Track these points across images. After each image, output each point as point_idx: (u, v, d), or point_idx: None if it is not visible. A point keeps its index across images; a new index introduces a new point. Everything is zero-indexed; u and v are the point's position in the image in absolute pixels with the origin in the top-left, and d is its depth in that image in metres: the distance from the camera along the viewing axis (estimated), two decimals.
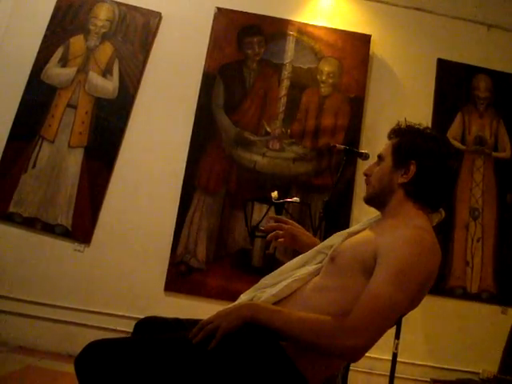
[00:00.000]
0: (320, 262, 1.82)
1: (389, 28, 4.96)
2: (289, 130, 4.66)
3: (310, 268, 1.80)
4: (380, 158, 1.90)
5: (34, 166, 4.47)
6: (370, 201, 1.89)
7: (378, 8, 4.97)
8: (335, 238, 1.87)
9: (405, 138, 1.82)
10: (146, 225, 4.49)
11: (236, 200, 4.50)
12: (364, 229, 1.84)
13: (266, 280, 1.86)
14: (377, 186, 1.86)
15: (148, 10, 4.84)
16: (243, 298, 1.84)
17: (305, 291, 1.73)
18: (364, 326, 1.46)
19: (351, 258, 1.68)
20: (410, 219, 1.71)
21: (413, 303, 1.63)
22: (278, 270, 1.88)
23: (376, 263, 1.58)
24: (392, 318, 1.53)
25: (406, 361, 4.20)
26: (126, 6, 4.83)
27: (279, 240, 2.12)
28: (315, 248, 1.90)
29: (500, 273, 4.56)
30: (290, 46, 4.81)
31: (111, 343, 1.53)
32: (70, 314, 4.28)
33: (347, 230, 1.89)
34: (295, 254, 4.39)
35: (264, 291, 1.77)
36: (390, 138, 1.89)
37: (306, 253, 1.91)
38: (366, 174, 1.93)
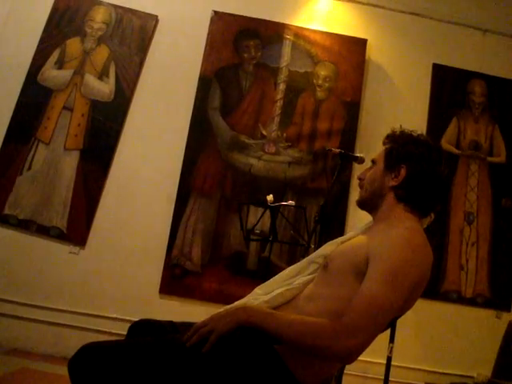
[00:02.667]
0: (313, 272, 1.83)
1: (385, 32, 4.98)
2: (285, 134, 4.67)
3: (304, 278, 1.81)
4: (373, 162, 1.93)
5: (29, 168, 4.47)
6: (363, 204, 1.92)
7: (374, 12, 4.98)
8: (328, 247, 1.88)
9: (397, 143, 1.85)
10: (141, 227, 4.49)
11: (231, 203, 4.50)
12: (356, 235, 1.86)
13: (259, 289, 1.86)
14: (369, 189, 1.88)
15: (144, 12, 4.84)
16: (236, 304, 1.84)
17: (299, 300, 1.73)
18: (357, 328, 1.47)
19: (344, 264, 1.69)
20: (400, 222, 1.73)
21: (406, 305, 1.63)
22: (272, 279, 1.89)
23: (368, 266, 1.59)
24: (385, 318, 1.54)
25: (401, 364, 4.20)
26: (123, 8, 4.84)
27: None
28: (308, 257, 1.91)
29: (494, 277, 4.57)
30: (287, 49, 4.82)
31: (105, 346, 1.53)
32: (65, 317, 4.27)
33: (339, 239, 1.91)
34: (290, 257, 4.43)
35: (257, 299, 1.78)
36: (384, 143, 1.92)
37: (299, 262, 1.92)
38: (359, 178, 1.96)
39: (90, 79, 4.70)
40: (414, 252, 1.61)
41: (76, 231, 4.43)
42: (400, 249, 1.60)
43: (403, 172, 1.78)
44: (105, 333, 4.22)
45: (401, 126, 1.90)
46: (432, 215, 1.85)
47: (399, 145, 1.84)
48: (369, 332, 1.49)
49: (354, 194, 4.46)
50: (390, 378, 3.45)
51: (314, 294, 1.71)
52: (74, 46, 4.76)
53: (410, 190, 1.78)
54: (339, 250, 1.79)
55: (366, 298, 1.51)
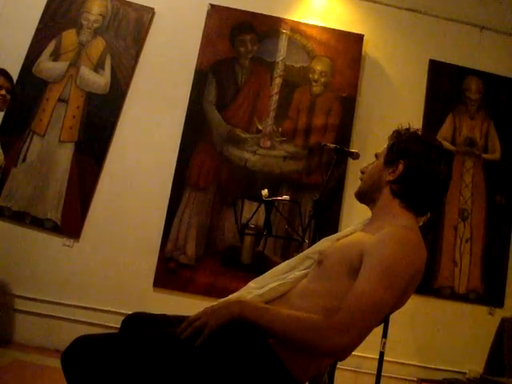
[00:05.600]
0: (308, 268, 1.84)
1: (381, 28, 4.97)
2: (280, 128, 4.66)
3: (298, 273, 1.82)
4: (376, 156, 1.96)
5: (24, 160, 4.46)
6: (360, 196, 1.94)
7: (370, 8, 4.98)
8: (323, 243, 1.89)
9: (399, 139, 1.85)
10: (135, 221, 4.48)
11: (226, 197, 4.50)
12: (352, 232, 1.86)
13: (253, 283, 1.87)
14: (367, 182, 1.91)
15: (141, 5, 4.83)
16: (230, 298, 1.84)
17: (292, 296, 1.74)
18: (351, 324, 1.47)
19: (338, 260, 1.69)
20: (395, 219, 1.75)
21: (399, 301, 1.64)
22: (266, 273, 1.89)
23: (362, 263, 1.59)
24: (378, 315, 1.54)
25: (393, 360, 4.22)
26: (119, 1, 4.82)
27: None
28: (303, 253, 1.92)
29: (488, 274, 4.59)
30: (283, 44, 4.81)
31: (98, 338, 1.53)
32: (58, 309, 4.27)
33: (336, 235, 1.92)
34: (284, 251, 4.43)
35: (251, 292, 1.78)
36: (389, 139, 1.93)
37: (294, 257, 1.93)
38: (361, 172, 1.98)
39: (86, 71, 4.68)
40: (407, 250, 1.61)
41: (70, 224, 4.43)
42: (394, 247, 1.60)
43: (400, 167, 1.79)
44: (98, 325, 4.22)
45: (409, 124, 1.91)
46: (428, 213, 1.86)
47: (401, 141, 1.86)
48: (362, 329, 1.49)
49: (349, 189, 4.47)
50: (383, 374, 3.47)
51: (308, 290, 1.71)
52: (69, 37, 4.74)
53: (406, 186, 1.79)
54: (335, 247, 1.79)
55: (359, 295, 1.51)
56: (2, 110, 3.71)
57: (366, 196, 1.91)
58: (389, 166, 1.83)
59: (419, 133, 1.88)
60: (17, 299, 4.25)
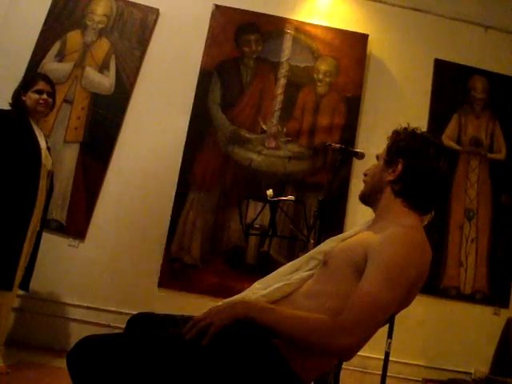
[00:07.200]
0: (312, 269, 1.83)
1: (386, 28, 4.96)
2: (285, 129, 4.66)
3: (303, 274, 1.82)
4: (377, 158, 1.96)
5: None
6: (363, 198, 1.94)
7: (375, 7, 4.97)
8: (328, 243, 1.89)
9: (398, 138, 1.86)
10: (140, 221, 4.48)
11: (231, 197, 4.50)
12: (357, 233, 1.86)
13: (258, 284, 1.87)
14: (370, 183, 1.92)
15: (146, 6, 4.83)
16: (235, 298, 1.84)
17: (297, 297, 1.73)
18: (356, 325, 1.47)
19: (343, 261, 1.69)
20: (399, 218, 1.75)
21: (404, 302, 1.63)
22: (271, 274, 1.89)
23: (366, 264, 1.59)
24: (383, 316, 1.54)
25: (399, 360, 4.21)
26: (124, 1, 4.83)
27: None
28: (308, 253, 1.92)
29: (493, 274, 4.57)
30: (288, 44, 4.81)
31: (104, 339, 1.52)
32: (63, 309, 4.28)
33: (341, 236, 1.92)
34: (289, 251, 4.42)
35: (256, 293, 1.78)
36: (388, 139, 1.93)
37: (299, 258, 1.92)
38: (364, 174, 1.97)
39: (91, 72, 4.69)
40: (412, 250, 1.61)
41: (75, 224, 4.43)
42: (398, 247, 1.60)
43: (400, 167, 1.79)
44: (103, 326, 4.22)
45: (408, 124, 1.91)
46: (432, 212, 1.86)
47: (399, 140, 1.86)
48: (367, 330, 1.49)
49: (354, 189, 4.47)
50: (388, 374, 3.46)
51: (313, 291, 1.71)
52: (74, 38, 4.75)
53: (407, 185, 1.79)
54: (340, 248, 1.79)
55: (364, 295, 1.51)
56: (46, 115, 3.71)
57: (369, 198, 1.91)
58: (389, 166, 1.84)
59: (417, 131, 1.87)
60: (21, 299, 4.25)
